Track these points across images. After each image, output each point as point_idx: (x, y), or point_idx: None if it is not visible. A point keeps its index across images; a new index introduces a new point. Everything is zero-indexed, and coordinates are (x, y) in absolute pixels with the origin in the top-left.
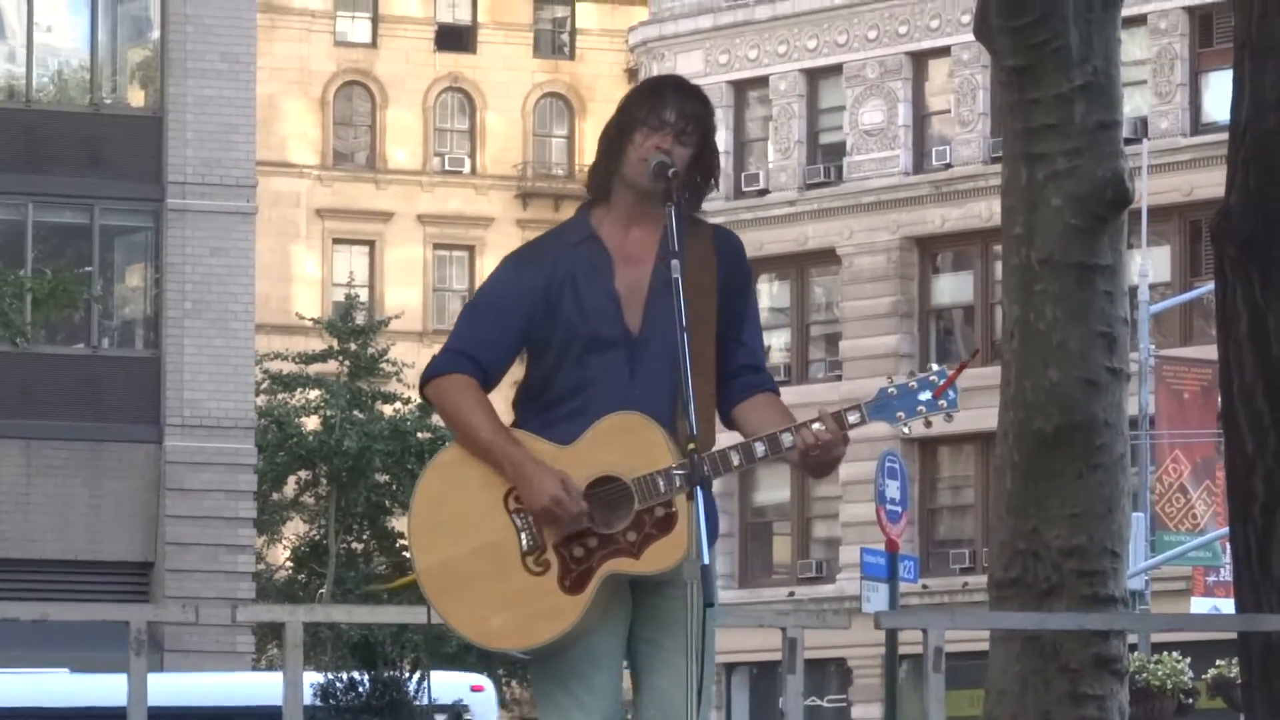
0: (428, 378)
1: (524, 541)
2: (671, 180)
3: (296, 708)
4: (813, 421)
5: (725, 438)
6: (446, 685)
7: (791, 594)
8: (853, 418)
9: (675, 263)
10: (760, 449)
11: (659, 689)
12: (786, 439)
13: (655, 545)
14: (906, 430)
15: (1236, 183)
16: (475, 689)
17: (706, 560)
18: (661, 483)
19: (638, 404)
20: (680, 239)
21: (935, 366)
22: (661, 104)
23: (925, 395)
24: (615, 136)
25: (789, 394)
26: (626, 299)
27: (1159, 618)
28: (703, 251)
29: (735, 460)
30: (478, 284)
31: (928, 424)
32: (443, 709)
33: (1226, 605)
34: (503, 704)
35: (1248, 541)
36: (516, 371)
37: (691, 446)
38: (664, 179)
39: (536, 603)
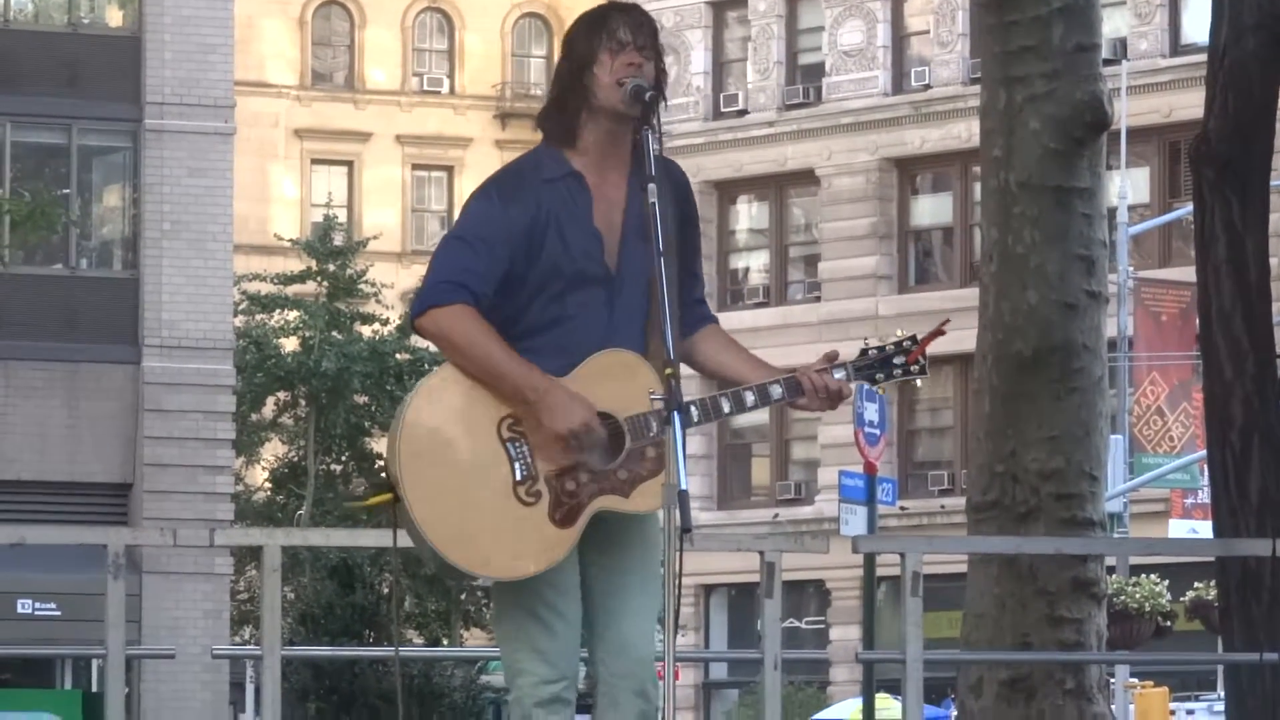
0: (425, 308)
1: (517, 471)
2: (649, 103)
3: (275, 631)
4: (806, 370)
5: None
6: None
7: (776, 516)
8: (839, 375)
9: (652, 186)
10: (750, 398)
11: (621, 613)
12: (775, 390)
13: (645, 485)
14: (882, 392)
15: (1215, 106)
16: None
17: (684, 486)
18: (654, 423)
19: (617, 341)
20: (655, 164)
21: (900, 333)
22: (614, 26)
23: (900, 360)
24: (575, 72)
25: (768, 315)
26: (606, 237)
27: (1136, 542)
28: (665, 185)
29: (726, 407)
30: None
31: (899, 388)
32: None
33: (1204, 527)
34: None
35: (1225, 466)
36: None
37: (669, 372)
38: (641, 101)
39: (528, 534)
